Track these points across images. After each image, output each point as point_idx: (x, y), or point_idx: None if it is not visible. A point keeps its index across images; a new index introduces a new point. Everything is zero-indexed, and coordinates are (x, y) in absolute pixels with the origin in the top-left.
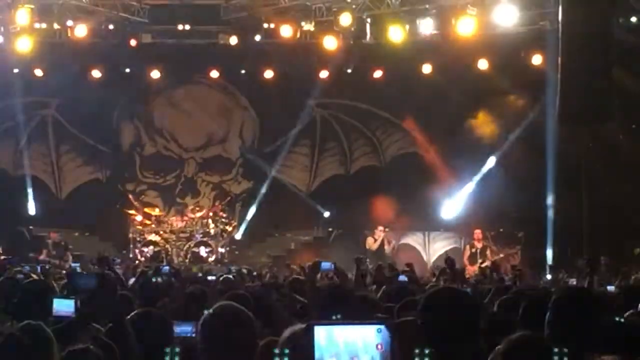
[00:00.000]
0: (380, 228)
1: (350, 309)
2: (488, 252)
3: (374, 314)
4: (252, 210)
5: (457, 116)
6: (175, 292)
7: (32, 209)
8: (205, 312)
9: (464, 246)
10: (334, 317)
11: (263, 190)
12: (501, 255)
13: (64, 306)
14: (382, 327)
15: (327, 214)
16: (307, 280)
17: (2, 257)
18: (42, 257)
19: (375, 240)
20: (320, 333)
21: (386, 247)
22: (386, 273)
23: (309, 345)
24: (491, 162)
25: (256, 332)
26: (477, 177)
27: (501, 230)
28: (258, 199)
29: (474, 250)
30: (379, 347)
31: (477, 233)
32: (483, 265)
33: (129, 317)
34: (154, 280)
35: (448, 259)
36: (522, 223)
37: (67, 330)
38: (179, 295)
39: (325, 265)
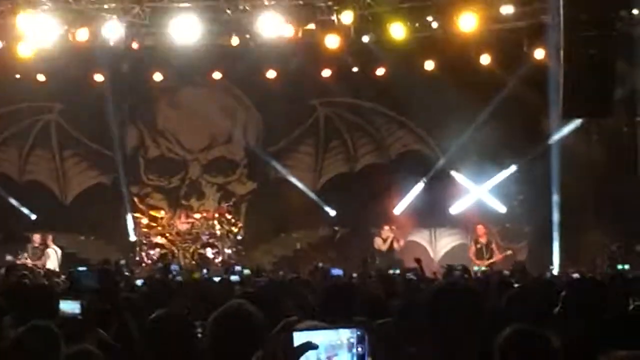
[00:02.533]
0: (387, 227)
1: (353, 307)
2: (493, 246)
3: (380, 312)
4: (257, 211)
5: (460, 112)
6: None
7: (33, 214)
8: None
9: (470, 239)
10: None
11: (268, 190)
12: (508, 252)
13: (70, 307)
14: (360, 329)
15: (333, 213)
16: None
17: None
18: (21, 260)
19: (384, 240)
20: (301, 338)
21: (396, 245)
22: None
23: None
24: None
25: (264, 333)
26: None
27: (507, 225)
28: (263, 200)
29: (479, 246)
30: (358, 349)
31: (480, 228)
32: (489, 262)
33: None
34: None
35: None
36: (528, 218)
37: (74, 331)
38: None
39: (335, 271)
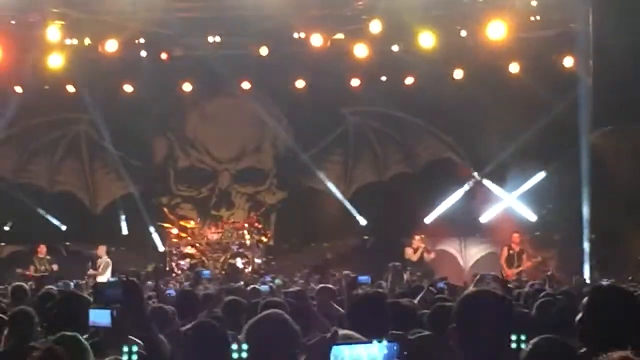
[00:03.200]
0: (418, 237)
1: (385, 317)
2: (524, 256)
3: (410, 323)
4: (287, 220)
5: (489, 120)
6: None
7: (63, 224)
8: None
9: (501, 248)
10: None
11: (297, 199)
12: (538, 258)
13: (100, 317)
14: (396, 344)
15: (363, 222)
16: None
17: (40, 275)
18: (29, 272)
19: (415, 250)
20: (338, 350)
21: (426, 256)
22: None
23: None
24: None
25: (299, 341)
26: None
27: (537, 233)
28: (293, 209)
29: (511, 252)
30: None
31: (515, 237)
32: (518, 270)
33: (184, 328)
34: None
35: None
36: (558, 226)
37: (104, 341)
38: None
39: (363, 278)
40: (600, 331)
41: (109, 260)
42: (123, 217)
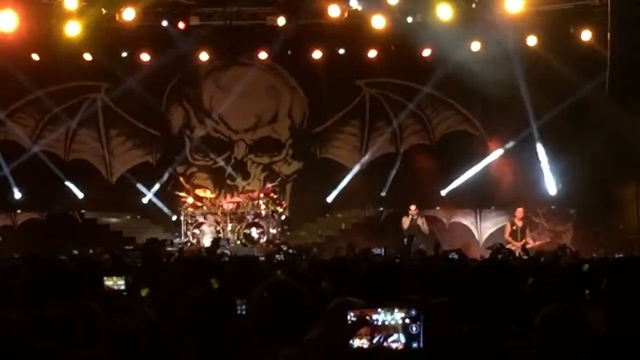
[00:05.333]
0: (412, 207)
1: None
2: (527, 231)
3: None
4: (303, 191)
5: (506, 93)
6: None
7: (78, 193)
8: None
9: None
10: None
11: (313, 170)
12: (542, 242)
13: (115, 283)
14: (415, 309)
15: (383, 193)
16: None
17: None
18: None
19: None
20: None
21: (420, 224)
22: None
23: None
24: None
25: (308, 306)
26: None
27: (553, 207)
28: (308, 180)
29: (514, 228)
30: (412, 328)
31: (519, 211)
32: (522, 242)
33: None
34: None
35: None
36: (574, 200)
37: (118, 306)
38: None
39: (376, 250)
40: None
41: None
42: (141, 186)
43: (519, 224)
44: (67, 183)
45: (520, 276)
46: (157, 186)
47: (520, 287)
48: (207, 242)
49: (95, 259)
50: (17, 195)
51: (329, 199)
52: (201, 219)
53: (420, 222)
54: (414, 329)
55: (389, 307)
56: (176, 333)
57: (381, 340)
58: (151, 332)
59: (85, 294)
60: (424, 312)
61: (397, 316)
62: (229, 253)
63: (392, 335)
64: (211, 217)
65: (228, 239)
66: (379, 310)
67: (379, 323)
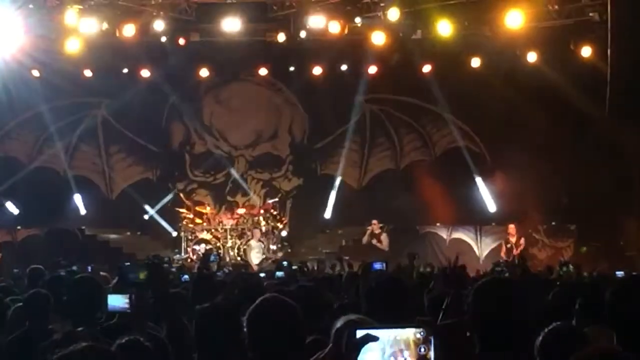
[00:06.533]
0: (374, 222)
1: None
2: (522, 241)
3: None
4: (303, 207)
5: (506, 109)
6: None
7: (82, 209)
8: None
9: (518, 237)
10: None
11: (313, 186)
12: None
13: (118, 301)
14: (425, 330)
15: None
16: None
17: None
18: None
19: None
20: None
21: (374, 241)
22: None
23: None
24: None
25: (303, 324)
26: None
27: (553, 223)
28: (308, 196)
29: (509, 245)
30: (421, 349)
31: (511, 228)
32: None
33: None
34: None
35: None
36: (575, 216)
37: (122, 326)
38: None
39: (377, 265)
40: None
41: None
42: (143, 202)
43: (512, 240)
44: (75, 197)
45: (524, 293)
46: (160, 204)
47: (525, 305)
48: (254, 257)
49: (97, 275)
50: (15, 210)
51: (326, 214)
52: (201, 235)
53: (383, 237)
54: (422, 350)
55: (398, 326)
56: (184, 350)
57: None
58: (159, 350)
59: (88, 314)
60: (434, 332)
61: (406, 336)
62: (230, 269)
63: (400, 355)
64: (257, 232)
65: (219, 254)
66: (388, 329)
67: (388, 343)
